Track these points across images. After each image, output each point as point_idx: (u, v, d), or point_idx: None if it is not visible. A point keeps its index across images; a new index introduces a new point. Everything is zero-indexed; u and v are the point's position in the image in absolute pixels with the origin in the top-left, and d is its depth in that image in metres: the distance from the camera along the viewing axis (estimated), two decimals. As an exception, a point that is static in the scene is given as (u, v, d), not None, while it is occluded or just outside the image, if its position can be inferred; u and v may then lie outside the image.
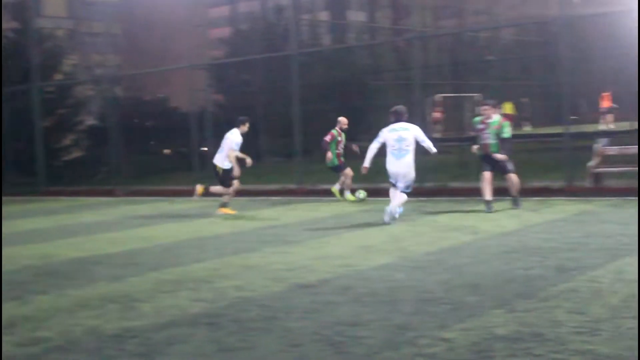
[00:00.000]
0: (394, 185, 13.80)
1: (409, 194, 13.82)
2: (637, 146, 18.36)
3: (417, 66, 20.91)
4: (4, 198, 25.50)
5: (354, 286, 8.10)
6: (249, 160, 16.06)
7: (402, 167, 13.59)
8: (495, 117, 14.46)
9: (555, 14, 17.57)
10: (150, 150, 32.26)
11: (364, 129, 39.54)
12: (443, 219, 13.74)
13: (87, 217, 17.67)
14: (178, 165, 28.76)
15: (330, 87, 34.47)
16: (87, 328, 6.93)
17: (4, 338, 6.76)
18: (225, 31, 45.97)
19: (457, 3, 60.49)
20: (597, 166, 16.68)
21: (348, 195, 17.99)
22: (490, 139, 14.34)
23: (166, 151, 32.29)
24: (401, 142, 13.60)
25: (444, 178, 19.06)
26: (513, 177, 14.36)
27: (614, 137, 30.96)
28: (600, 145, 18.65)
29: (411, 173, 13.67)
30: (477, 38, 51.47)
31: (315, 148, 32.39)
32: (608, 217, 12.59)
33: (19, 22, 32.00)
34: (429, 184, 18.33)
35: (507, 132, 14.32)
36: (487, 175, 14.30)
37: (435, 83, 41.29)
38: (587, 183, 16.55)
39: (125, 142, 29.76)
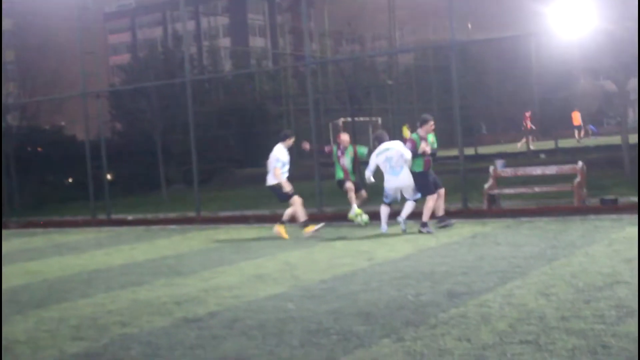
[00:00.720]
0: (387, 204, 14.79)
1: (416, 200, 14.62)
2: (532, 167, 18.72)
3: (317, 91, 20.83)
4: None
5: (243, 318, 7.88)
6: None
7: (401, 181, 14.52)
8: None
9: (448, 38, 17.71)
10: (46, 180, 31.34)
11: (264, 154, 39.56)
12: (340, 244, 13.64)
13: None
14: (75, 194, 28.00)
15: (231, 113, 34.31)
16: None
17: None
18: (124, 58, 45.39)
19: (357, 29, 61.20)
20: (492, 188, 16.87)
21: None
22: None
23: (69, 180, 31.33)
24: (390, 161, 14.52)
25: (344, 202, 18.99)
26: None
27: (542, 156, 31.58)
28: (497, 167, 18.93)
29: (411, 183, 14.53)
30: (377, 63, 52.13)
31: (213, 174, 32.23)
32: (502, 239, 12.69)
33: None
34: (329, 209, 18.27)
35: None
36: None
37: (336, 108, 41.58)
38: (483, 205, 16.72)
39: (20, 171, 28.91)
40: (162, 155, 27.50)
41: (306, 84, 21.57)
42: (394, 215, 14.79)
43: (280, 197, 15.57)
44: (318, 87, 42.07)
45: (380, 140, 14.99)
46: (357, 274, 10.23)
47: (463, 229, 14.35)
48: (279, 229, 15.12)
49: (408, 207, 14.62)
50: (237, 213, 20.37)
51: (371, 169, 14.78)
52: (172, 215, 21.41)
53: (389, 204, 14.87)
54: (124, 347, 7.05)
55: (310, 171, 19.40)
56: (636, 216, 13.85)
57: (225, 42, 74.84)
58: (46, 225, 22.55)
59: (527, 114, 38.01)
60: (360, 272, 10.36)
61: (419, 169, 14.68)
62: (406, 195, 14.68)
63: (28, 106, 31.04)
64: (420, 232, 14.23)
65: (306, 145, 17.27)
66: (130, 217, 21.87)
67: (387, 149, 14.65)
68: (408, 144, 14.73)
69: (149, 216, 21.81)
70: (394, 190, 14.71)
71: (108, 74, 47.47)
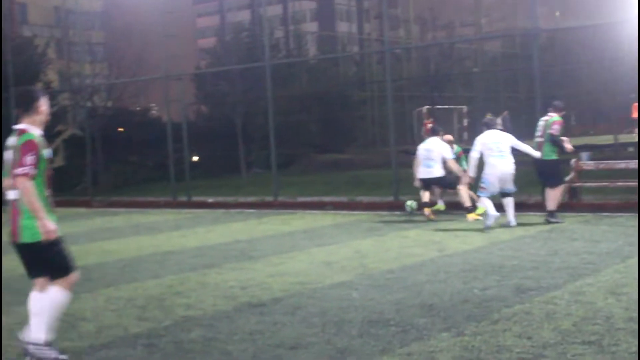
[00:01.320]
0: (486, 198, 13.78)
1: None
2: (616, 161, 18.23)
3: (401, 78, 20.69)
4: None
5: (305, 305, 7.88)
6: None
7: (508, 166, 13.88)
8: None
9: (533, 26, 17.32)
10: (131, 160, 31.97)
11: (345, 140, 39.54)
12: (414, 234, 13.53)
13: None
14: (158, 176, 28.49)
15: (313, 98, 34.35)
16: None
17: None
18: (211, 41, 45.82)
19: (445, 15, 60.48)
20: (573, 180, 16.47)
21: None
22: None
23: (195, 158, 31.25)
24: (498, 144, 13.96)
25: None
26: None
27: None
28: (581, 159, 18.48)
29: (513, 172, 13.98)
30: (463, 50, 51.45)
31: (293, 159, 32.34)
32: (578, 234, 12.39)
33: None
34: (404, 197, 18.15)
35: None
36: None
37: (420, 95, 41.22)
38: (564, 198, 16.33)
39: (105, 152, 29.58)
40: (243, 138, 27.72)
41: (385, 70, 21.42)
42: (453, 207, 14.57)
43: (445, 185, 15.81)
44: (402, 74, 41.85)
45: (489, 126, 14.37)
46: (425, 264, 10.12)
47: (539, 223, 14.06)
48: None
49: (511, 204, 13.97)
50: (315, 199, 20.43)
51: (476, 154, 14.02)
52: (250, 199, 21.61)
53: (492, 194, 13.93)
54: (185, 329, 7.13)
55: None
56: None
57: (312, 26, 74.91)
58: (128, 205, 23.02)
59: (635, 105, 36.89)
60: (429, 262, 10.25)
61: (553, 156, 14.29)
62: (507, 186, 13.96)
63: (114, 87, 31.68)
64: (549, 222, 13.90)
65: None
66: (210, 200, 22.15)
67: (498, 135, 14.09)
68: (555, 125, 14.18)
69: (229, 199, 22.07)
70: (498, 177, 13.83)
71: (195, 57, 48.01)
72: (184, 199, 22.40)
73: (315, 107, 35.35)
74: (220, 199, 22.23)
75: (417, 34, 58.33)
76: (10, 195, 6.16)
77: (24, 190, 6.00)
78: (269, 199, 20.84)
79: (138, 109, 35.12)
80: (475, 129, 14.72)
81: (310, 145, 33.92)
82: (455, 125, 40.76)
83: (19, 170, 6.00)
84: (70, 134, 33.16)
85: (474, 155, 14.11)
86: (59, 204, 22.13)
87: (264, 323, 7.23)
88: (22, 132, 6.19)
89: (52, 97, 33.49)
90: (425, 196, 15.82)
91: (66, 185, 29.21)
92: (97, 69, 32.54)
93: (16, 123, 6.32)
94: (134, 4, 34.36)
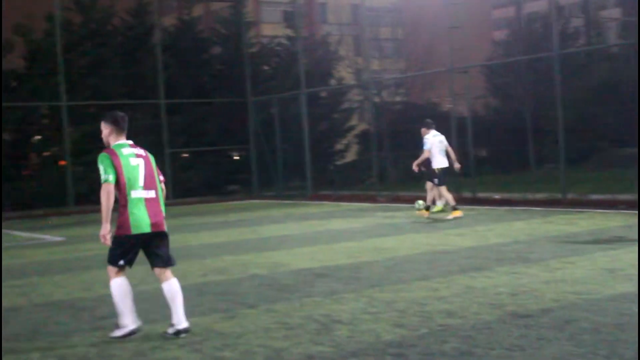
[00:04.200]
0: None
1: None
2: None
3: None
4: (275, 201, 26.31)
5: (577, 319, 7.06)
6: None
7: None
8: None
9: None
10: (418, 155, 31.77)
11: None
12: None
13: (336, 224, 17.53)
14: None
15: (610, 89, 32.12)
16: (271, 351, 6.55)
17: (190, 351, 6.65)
18: (505, 33, 44.75)
19: None
20: None
21: None
22: None
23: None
24: None
25: None
26: None
27: None
28: None
29: None
30: None
31: (588, 154, 30.49)
32: None
33: (292, 30, 32.99)
34: None
35: None
36: None
37: None
38: None
39: (393, 147, 29.70)
40: (532, 132, 26.57)
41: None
42: None
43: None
44: None
45: None
46: None
47: None
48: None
49: None
50: (608, 197, 19.04)
51: None
52: (538, 196, 20.59)
53: None
54: (439, 340, 6.61)
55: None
56: None
57: (614, 13, 70.90)
58: (413, 201, 22.80)
59: None
60: None
61: None
62: None
63: (403, 82, 31.74)
64: None
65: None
66: (496, 196, 21.42)
67: None
68: None
69: (515, 196, 21.21)
70: None
71: (488, 49, 47.04)
72: (468, 195, 21.83)
73: (613, 98, 33.19)
74: (506, 195, 21.41)
75: None
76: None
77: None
78: (558, 196, 19.70)
79: (426, 102, 34.95)
80: None
81: (606, 138, 31.89)
82: None
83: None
84: (361, 129, 33.73)
85: None
86: (345, 198, 22.49)
87: (527, 337, 6.53)
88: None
89: (343, 94, 34.35)
90: None
91: (355, 180, 29.75)
92: (386, 64, 32.80)
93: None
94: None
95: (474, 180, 22.05)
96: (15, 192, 26.03)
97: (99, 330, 7.62)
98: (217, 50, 33.42)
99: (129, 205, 7.03)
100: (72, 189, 25.38)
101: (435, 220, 17.01)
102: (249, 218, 20.50)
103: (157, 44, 28.38)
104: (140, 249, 7.19)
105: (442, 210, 18.29)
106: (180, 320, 7.14)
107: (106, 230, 6.95)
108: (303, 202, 25.50)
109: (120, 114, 7.42)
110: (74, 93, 27.03)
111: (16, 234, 18.35)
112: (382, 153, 27.74)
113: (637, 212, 15.75)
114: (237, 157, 32.45)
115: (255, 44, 34.35)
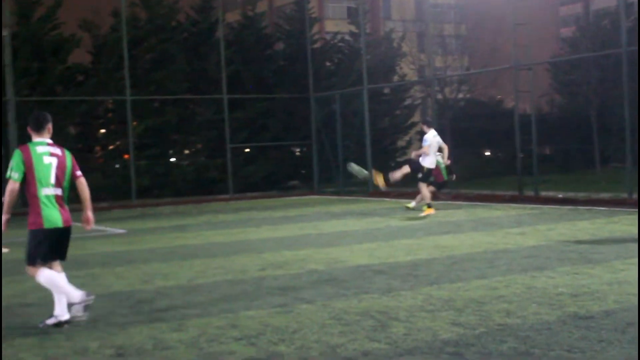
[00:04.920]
0: None
1: None
2: None
3: None
4: (336, 197, 26.30)
5: (640, 322, 6.88)
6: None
7: None
8: None
9: None
10: (480, 153, 31.58)
11: None
12: None
13: (395, 221, 17.43)
14: (505, 169, 27.78)
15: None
16: (326, 347, 6.51)
17: (246, 345, 6.64)
18: (572, 30, 44.04)
19: None
20: None
21: None
22: None
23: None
24: None
25: None
26: None
27: None
28: None
29: None
30: None
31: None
32: None
33: (356, 26, 32.92)
34: None
35: None
36: None
37: None
38: None
39: (455, 144, 29.42)
40: (598, 130, 26.09)
41: None
42: None
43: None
44: None
45: None
46: None
47: None
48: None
49: None
50: (676, 197, 18.55)
51: None
52: (603, 195, 20.20)
53: None
54: (497, 339, 6.50)
55: None
56: None
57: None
58: (473, 198, 22.61)
59: None
60: None
61: None
62: None
63: (466, 79, 31.44)
64: None
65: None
66: (560, 195, 21.09)
67: None
68: None
69: (579, 195, 20.86)
70: None
71: (555, 46, 46.36)
72: (531, 193, 21.53)
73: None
74: (570, 194, 21.06)
75: None
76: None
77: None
78: (624, 196, 19.31)
79: (489, 100, 34.59)
80: None
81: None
82: None
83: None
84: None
85: None
86: (405, 196, 22.29)
87: (588, 339, 6.38)
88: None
89: (406, 90, 34.18)
90: None
91: (416, 177, 29.50)
92: (449, 60, 32.51)
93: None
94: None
95: (537, 178, 21.73)
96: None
97: (157, 322, 7.67)
98: (280, 46, 33.56)
99: (40, 201, 7.47)
100: (134, 183, 25.70)
101: (496, 219, 16.82)
102: (308, 213, 20.53)
103: (220, 39, 28.57)
104: (52, 243, 7.59)
105: (412, 209, 18.89)
106: (64, 312, 7.53)
107: (3, 220, 7.45)
108: (363, 198, 25.45)
109: (42, 114, 7.82)
110: (138, 88, 27.40)
111: (79, 226, 18.57)
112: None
113: None
114: (299, 153, 32.54)
115: (318, 40, 34.40)
